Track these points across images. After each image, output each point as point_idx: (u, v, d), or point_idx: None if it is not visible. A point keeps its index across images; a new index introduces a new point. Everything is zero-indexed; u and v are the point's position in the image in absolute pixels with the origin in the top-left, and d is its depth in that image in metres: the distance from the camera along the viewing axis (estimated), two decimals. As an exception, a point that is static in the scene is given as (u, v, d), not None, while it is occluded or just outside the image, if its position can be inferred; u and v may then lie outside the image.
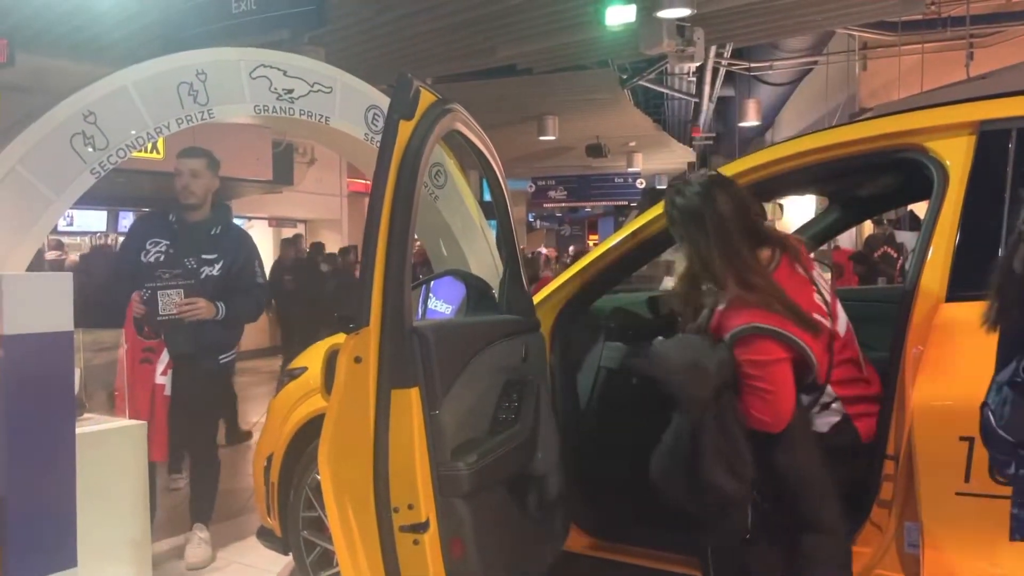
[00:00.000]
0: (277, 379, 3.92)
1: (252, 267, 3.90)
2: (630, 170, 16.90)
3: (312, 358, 3.67)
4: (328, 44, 7.22)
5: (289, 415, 3.47)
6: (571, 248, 20.90)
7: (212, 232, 3.80)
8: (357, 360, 1.75)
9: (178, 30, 7.07)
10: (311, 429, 3.36)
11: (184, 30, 6.99)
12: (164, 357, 3.71)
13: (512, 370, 2.31)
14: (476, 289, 2.63)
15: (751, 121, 12.92)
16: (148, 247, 3.75)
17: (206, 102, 4.02)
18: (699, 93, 13.60)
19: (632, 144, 14.97)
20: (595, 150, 14.08)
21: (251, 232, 14.09)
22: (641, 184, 17.74)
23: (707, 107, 14.17)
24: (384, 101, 5.60)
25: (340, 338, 3.62)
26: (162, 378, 3.76)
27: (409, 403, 1.74)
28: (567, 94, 11.17)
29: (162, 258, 3.72)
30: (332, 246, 15.12)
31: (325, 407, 3.24)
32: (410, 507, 1.73)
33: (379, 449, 1.71)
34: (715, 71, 12.10)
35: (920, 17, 8.97)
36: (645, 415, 2.77)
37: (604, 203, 20.95)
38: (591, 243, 25.35)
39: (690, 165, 18.25)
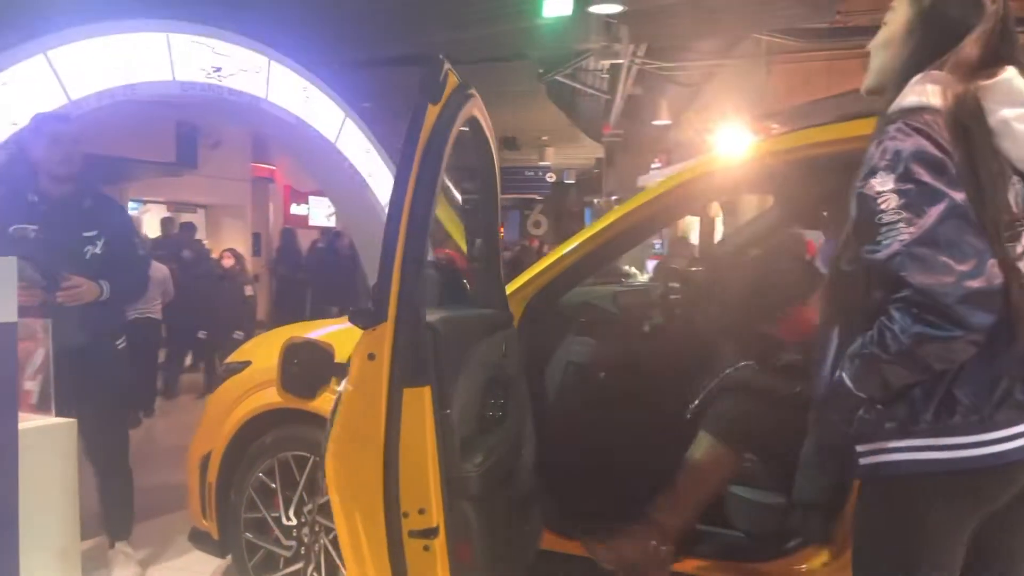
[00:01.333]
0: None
1: (131, 239, 3.61)
2: (541, 164, 17.01)
3: (258, 351, 3.50)
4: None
5: (230, 411, 3.30)
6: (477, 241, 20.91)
7: (85, 205, 3.40)
8: (370, 357, 1.66)
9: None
10: (256, 426, 3.21)
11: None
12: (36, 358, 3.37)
13: (494, 366, 2.26)
14: (449, 280, 2.55)
15: (664, 120, 13.19)
16: (14, 236, 3.21)
17: (130, 77, 3.77)
18: (612, 91, 13.77)
19: (545, 138, 15.08)
20: (509, 143, 14.10)
21: (147, 218, 13.44)
22: (551, 178, 17.89)
23: (618, 105, 14.38)
24: (317, 83, 5.42)
25: (296, 329, 3.50)
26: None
27: (422, 402, 1.66)
28: (486, 85, 11.10)
29: (33, 246, 3.21)
30: (235, 233, 14.56)
31: (272, 403, 3.15)
32: (421, 512, 1.65)
33: (390, 451, 1.62)
34: (629, 69, 12.26)
35: (826, 25, 9.34)
36: (613, 410, 2.77)
37: (513, 196, 21.03)
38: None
39: (598, 161, 18.54)
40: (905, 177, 1.46)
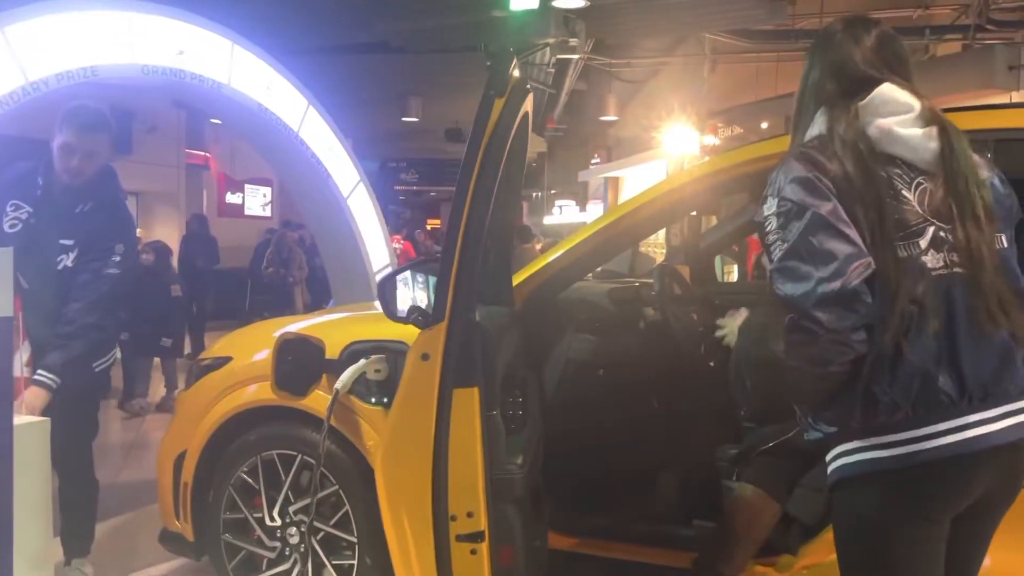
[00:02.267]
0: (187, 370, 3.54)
1: (109, 247, 3.10)
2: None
3: (237, 347, 3.38)
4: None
5: (209, 409, 3.18)
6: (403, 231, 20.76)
7: (78, 209, 3.09)
8: (424, 357, 1.61)
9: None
10: (237, 424, 3.11)
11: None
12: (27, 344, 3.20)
13: (509, 364, 2.23)
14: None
15: (610, 116, 13.31)
16: (8, 209, 3.06)
17: (91, 58, 3.58)
18: (557, 85, 13.82)
19: (489, 131, 14.99)
20: (454, 134, 14.00)
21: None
22: (493, 171, 17.81)
23: (562, 99, 14.45)
24: (281, 69, 5.27)
25: (283, 322, 3.39)
26: (26, 369, 3.26)
27: (472, 403, 1.62)
28: (435, 76, 11.00)
29: (19, 228, 3.05)
30: (168, 221, 14.07)
31: (257, 400, 3.05)
32: (469, 515, 1.62)
33: (439, 453, 1.58)
34: (576, 65, 12.34)
35: (772, 27, 9.59)
36: (613, 407, 2.78)
37: (452, 188, 20.93)
38: (428, 228, 25.28)
39: (539, 155, 18.59)
40: (782, 199, 1.59)
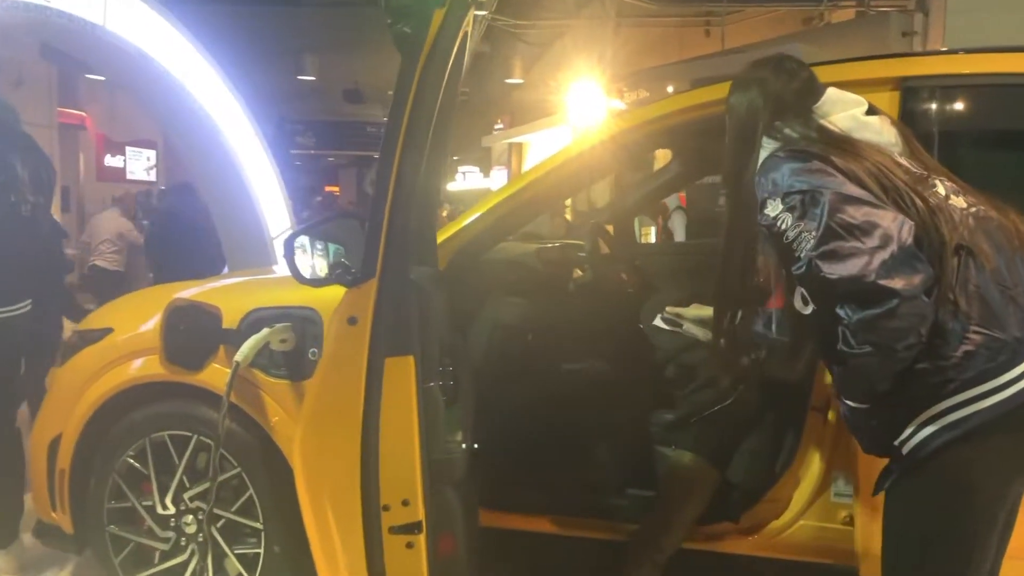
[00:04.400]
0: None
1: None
2: (385, 120, 16.41)
3: (118, 316, 3.02)
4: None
5: (87, 387, 2.84)
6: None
7: None
8: (351, 321, 1.37)
9: None
10: (121, 403, 2.78)
11: None
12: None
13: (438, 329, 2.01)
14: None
15: (517, 79, 13.07)
16: None
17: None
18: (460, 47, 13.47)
19: (391, 92, 14.49)
20: (353, 95, 13.45)
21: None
22: (394, 135, 17.28)
23: (466, 61, 14.10)
24: (164, 12, 4.79)
25: (172, 288, 3.05)
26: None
27: (407, 374, 1.39)
28: (330, 31, 10.47)
29: None
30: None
31: (143, 376, 2.73)
32: (405, 504, 1.40)
33: (368, 433, 1.35)
34: (480, 25, 12.01)
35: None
36: (543, 375, 2.61)
37: (355, 153, 20.27)
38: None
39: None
40: (787, 193, 1.59)
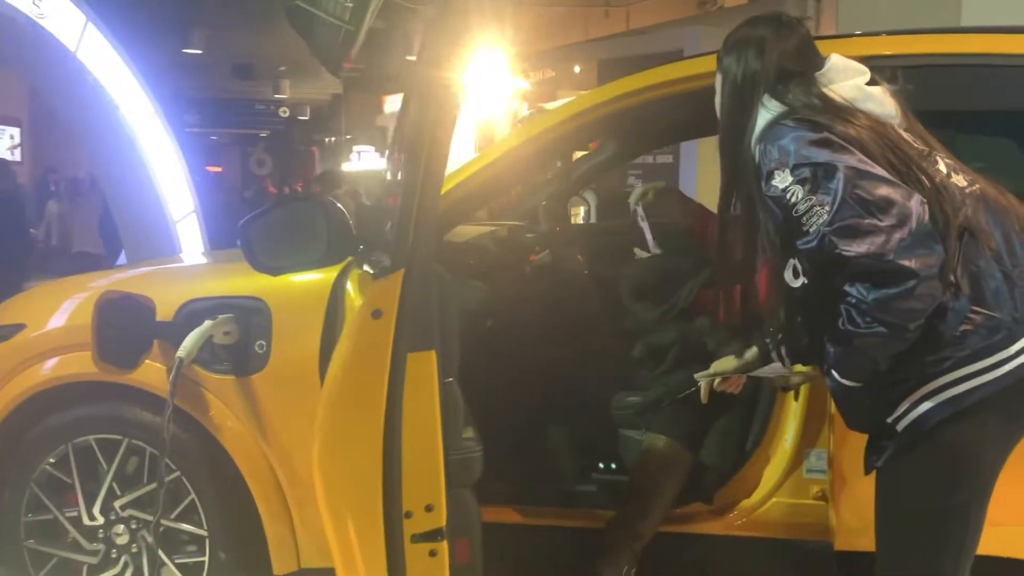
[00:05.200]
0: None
1: None
2: (276, 97, 15.76)
3: (31, 311, 2.73)
4: None
5: (-2, 389, 2.56)
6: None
7: None
8: (376, 315, 1.24)
9: None
10: (35, 407, 2.54)
11: None
12: None
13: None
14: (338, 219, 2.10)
15: (412, 56, 12.78)
16: None
17: None
18: (356, 22, 13.05)
19: (282, 68, 13.94)
20: (243, 71, 12.83)
21: None
22: (285, 113, 16.71)
23: (361, 37, 13.69)
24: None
25: (88, 279, 2.77)
26: None
27: (430, 370, 1.28)
28: (220, 4, 9.92)
29: None
30: None
31: (62, 376, 2.48)
32: (428, 509, 1.30)
33: (391, 434, 1.24)
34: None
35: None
36: (505, 361, 2.54)
37: (242, 131, 19.40)
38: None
39: (335, 97, 17.66)
40: (797, 164, 1.54)
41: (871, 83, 1.69)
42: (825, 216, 1.48)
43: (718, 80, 1.77)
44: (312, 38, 14.20)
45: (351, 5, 12.92)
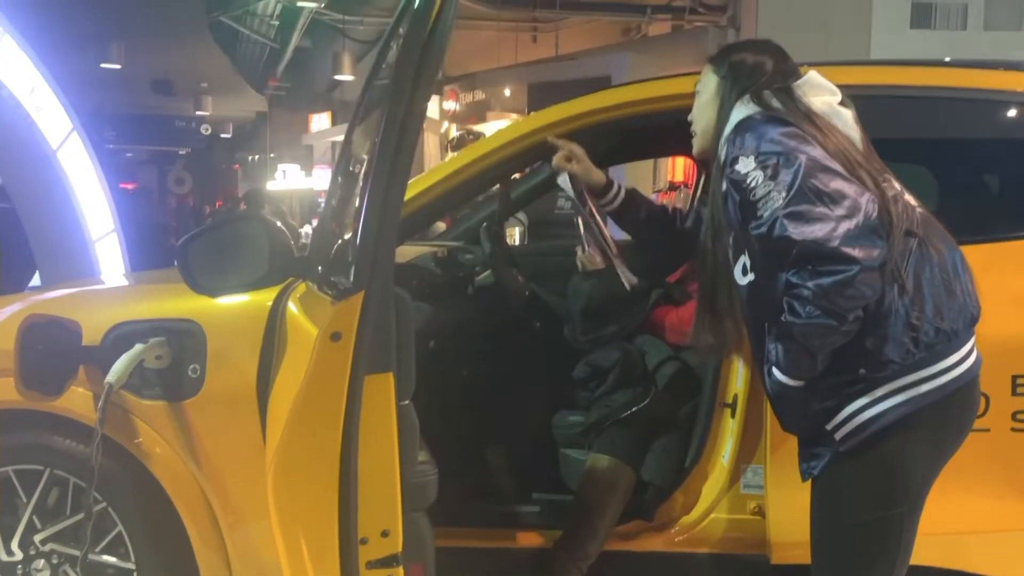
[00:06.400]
0: None
1: None
2: (198, 114, 15.37)
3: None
4: None
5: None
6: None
7: None
8: (335, 337, 1.21)
9: None
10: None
11: None
12: None
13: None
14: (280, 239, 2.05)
15: (346, 75, 12.67)
16: None
17: None
18: (283, 39, 12.89)
19: (204, 85, 13.62)
20: (162, 87, 12.48)
21: None
22: (207, 131, 16.29)
23: (287, 55, 13.53)
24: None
25: (17, 300, 2.63)
26: None
27: (387, 392, 1.26)
28: (140, 17, 9.66)
29: None
30: None
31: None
32: (384, 535, 1.27)
33: (347, 457, 1.21)
34: (306, 18, 11.56)
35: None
36: (446, 381, 2.52)
37: (161, 148, 18.84)
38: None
39: (259, 115, 17.36)
40: (762, 151, 1.62)
41: (842, 104, 1.78)
42: (780, 201, 1.56)
43: (709, 90, 1.86)
44: (236, 55, 13.99)
45: (277, 24, 12.77)
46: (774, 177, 1.58)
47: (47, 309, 2.42)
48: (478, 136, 10.70)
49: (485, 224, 2.77)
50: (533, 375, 2.65)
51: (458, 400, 2.44)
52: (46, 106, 4.72)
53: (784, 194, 1.56)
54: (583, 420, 2.44)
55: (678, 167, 8.51)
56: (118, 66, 10.77)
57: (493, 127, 10.30)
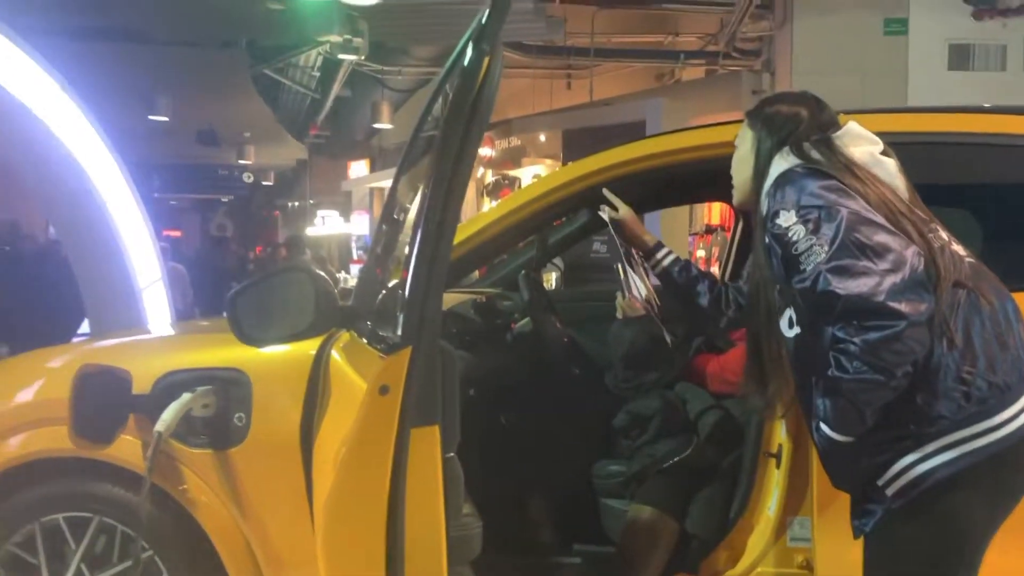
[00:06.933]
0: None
1: None
2: (240, 163, 15.77)
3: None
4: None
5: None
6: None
7: None
8: (383, 391, 1.23)
9: None
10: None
11: None
12: None
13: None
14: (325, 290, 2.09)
15: (384, 124, 12.92)
16: None
17: None
18: (322, 90, 13.21)
19: (247, 135, 13.99)
20: (208, 137, 12.85)
21: None
22: (249, 179, 16.69)
23: (328, 105, 13.85)
24: (17, 42, 4.36)
25: (52, 353, 2.70)
26: None
27: (432, 445, 1.28)
28: (187, 72, 10.00)
29: None
30: None
31: (28, 453, 2.40)
32: (431, 589, 1.27)
33: (395, 510, 1.22)
34: (347, 69, 11.85)
35: (543, 43, 9.81)
36: (489, 429, 2.52)
37: (205, 196, 19.32)
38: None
39: (300, 163, 17.73)
40: (803, 205, 1.62)
41: (884, 154, 1.77)
42: (823, 256, 1.54)
43: (746, 144, 1.88)
44: (278, 105, 14.36)
45: (318, 75, 13.11)
46: (816, 231, 1.57)
47: (99, 358, 2.48)
48: (514, 182, 10.83)
49: (524, 271, 2.78)
50: (573, 423, 2.64)
51: (498, 449, 2.43)
52: (98, 159, 4.88)
53: (827, 248, 1.54)
54: (624, 469, 2.42)
55: (714, 211, 8.49)
56: (166, 118, 11.14)
57: (529, 173, 10.41)
